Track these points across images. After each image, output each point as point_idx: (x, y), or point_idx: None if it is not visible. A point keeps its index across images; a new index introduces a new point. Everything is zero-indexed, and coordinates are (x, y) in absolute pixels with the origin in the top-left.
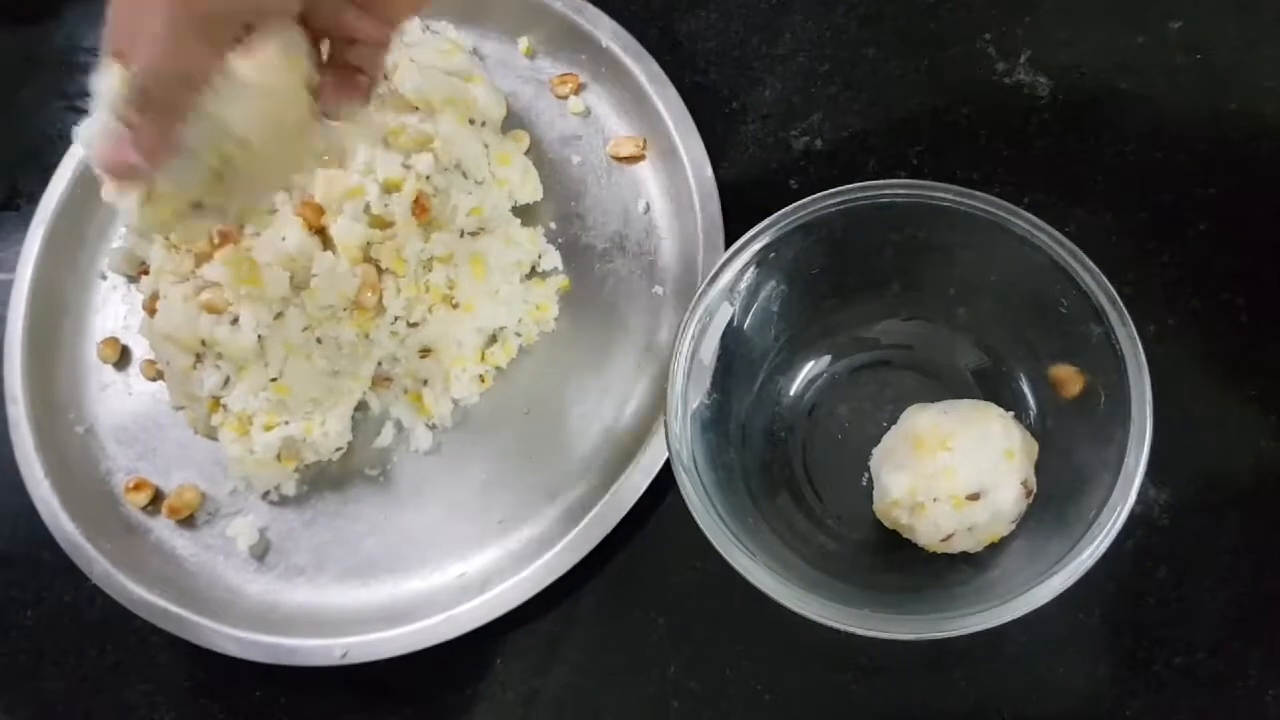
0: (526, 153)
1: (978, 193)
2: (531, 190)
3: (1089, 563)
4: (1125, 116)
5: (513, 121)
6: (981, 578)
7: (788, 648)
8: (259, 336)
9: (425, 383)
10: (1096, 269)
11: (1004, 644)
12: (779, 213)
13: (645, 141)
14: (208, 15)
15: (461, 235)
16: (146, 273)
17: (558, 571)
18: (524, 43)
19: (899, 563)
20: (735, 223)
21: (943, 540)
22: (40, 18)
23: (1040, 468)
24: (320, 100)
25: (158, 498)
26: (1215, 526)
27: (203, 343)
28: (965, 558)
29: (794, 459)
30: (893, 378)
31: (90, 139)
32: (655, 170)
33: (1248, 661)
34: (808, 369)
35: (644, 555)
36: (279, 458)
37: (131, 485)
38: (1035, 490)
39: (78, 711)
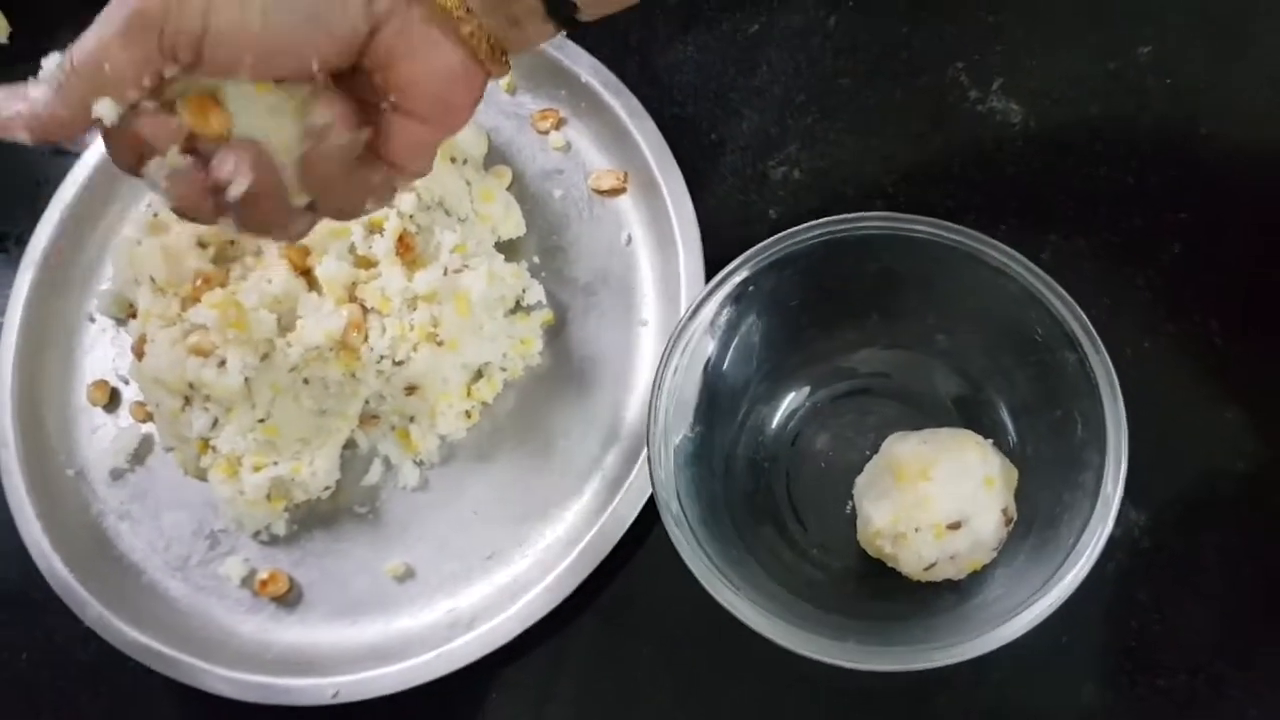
0: (509, 188)
1: (952, 224)
2: (514, 225)
3: (1071, 587)
4: (1096, 142)
5: (494, 157)
6: (966, 605)
7: (779, 677)
8: (246, 378)
9: (412, 419)
10: (1069, 297)
11: (988, 670)
12: (758, 246)
13: (626, 175)
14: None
15: (445, 272)
16: (135, 315)
17: (547, 606)
18: (504, 79)
19: (883, 591)
20: (716, 252)
21: (926, 569)
22: (25, 61)
23: (1020, 494)
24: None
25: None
26: (1194, 548)
27: (191, 385)
28: (949, 585)
29: (777, 489)
30: (873, 406)
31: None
32: (636, 203)
33: (1229, 682)
34: (789, 399)
35: (633, 587)
36: (268, 497)
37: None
38: (1015, 517)
39: None
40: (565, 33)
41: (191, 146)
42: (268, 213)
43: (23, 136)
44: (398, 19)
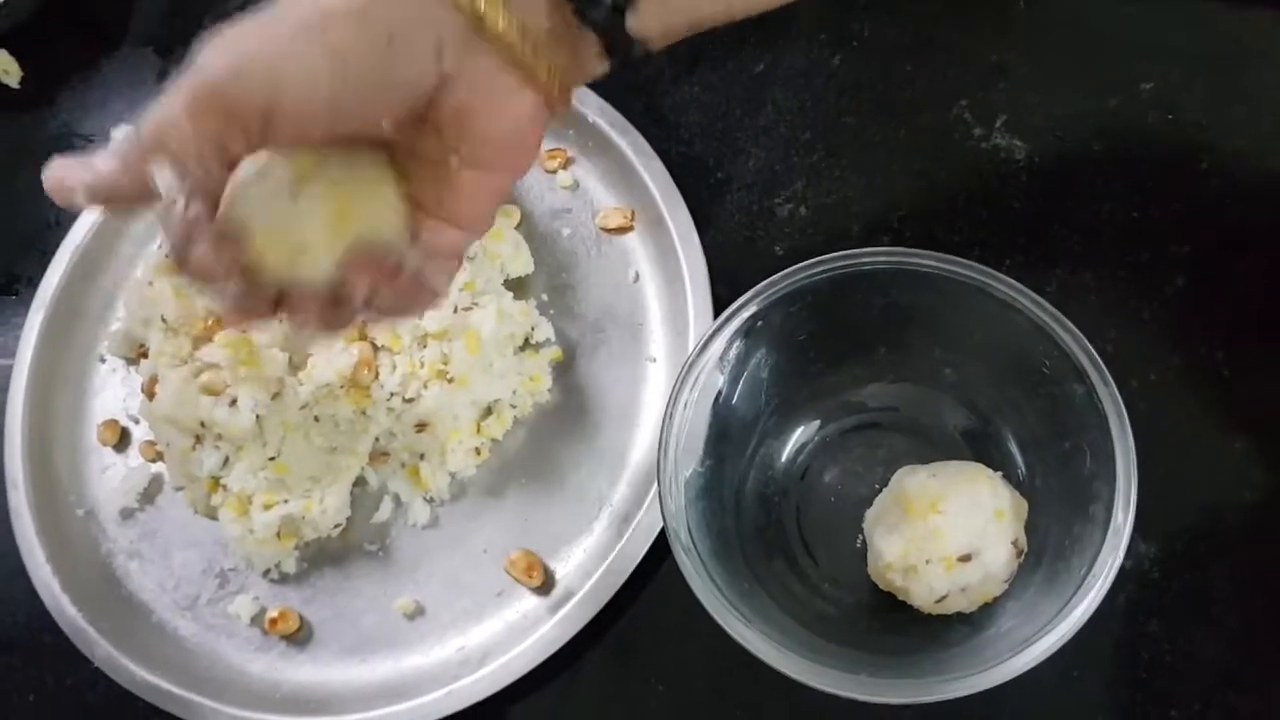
0: (517, 227)
1: (958, 258)
2: (523, 264)
3: (1082, 619)
4: (1100, 177)
5: None
6: (977, 637)
7: (790, 712)
8: (257, 416)
9: (422, 457)
10: (1076, 330)
11: (1001, 702)
12: (765, 282)
13: (633, 213)
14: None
15: (455, 310)
16: (145, 355)
17: (557, 643)
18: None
19: (895, 624)
20: (723, 289)
21: (937, 601)
22: (36, 105)
23: (1030, 527)
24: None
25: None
26: (1204, 579)
27: (202, 424)
28: (960, 618)
29: (788, 523)
30: (882, 440)
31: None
32: (644, 241)
33: (1242, 713)
34: (798, 434)
35: (643, 623)
36: (279, 536)
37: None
38: (1026, 549)
39: None
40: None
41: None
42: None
43: (79, 201)
44: (467, 71)
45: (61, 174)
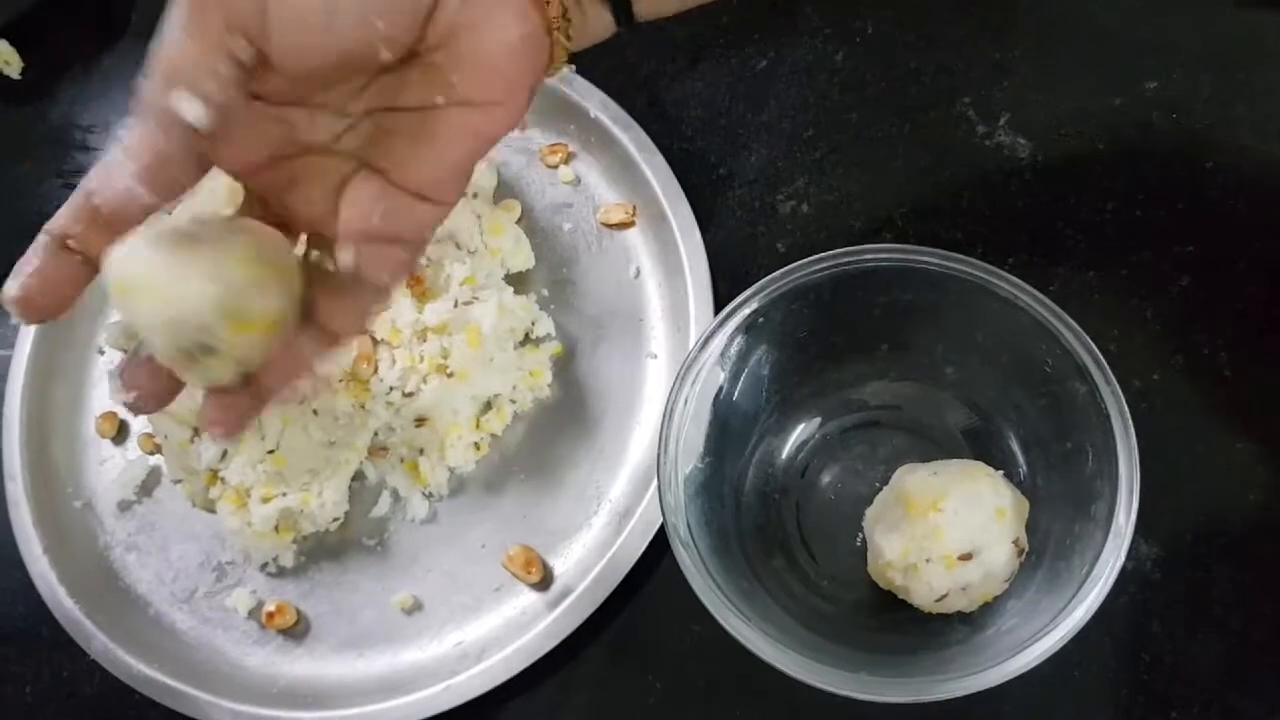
0: (518, 221)
1: (961, 255)
2: (524, 259)
3: (1083, 619)
4: (1104, 176)
5: (504, 191)
6: (978, 637)
7: (788, 710)
8: None
9: (421, 451)
10: (1079, 328)
11: (1001, 702)
12: (766, 279)
13: (635, 208)
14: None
15: (455, 305)
16: None
17: (555, 639)
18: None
19: (895, 623)
20: (724, 286)
21: (937, 600)
22: (37, 96)
23: (1031, 526)
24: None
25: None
26: (1206, 580)
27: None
28: (961, 617)
29: (788, 521)
30: (883, 438)
31: None
32: (645, 236)
33: (1243, 714)
34: (799, 431)
35: (641, 619)
36: (277, 529)
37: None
38: (1027, 548)
39: None
40: (621, 30)
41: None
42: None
43: (140, 191)
44: None
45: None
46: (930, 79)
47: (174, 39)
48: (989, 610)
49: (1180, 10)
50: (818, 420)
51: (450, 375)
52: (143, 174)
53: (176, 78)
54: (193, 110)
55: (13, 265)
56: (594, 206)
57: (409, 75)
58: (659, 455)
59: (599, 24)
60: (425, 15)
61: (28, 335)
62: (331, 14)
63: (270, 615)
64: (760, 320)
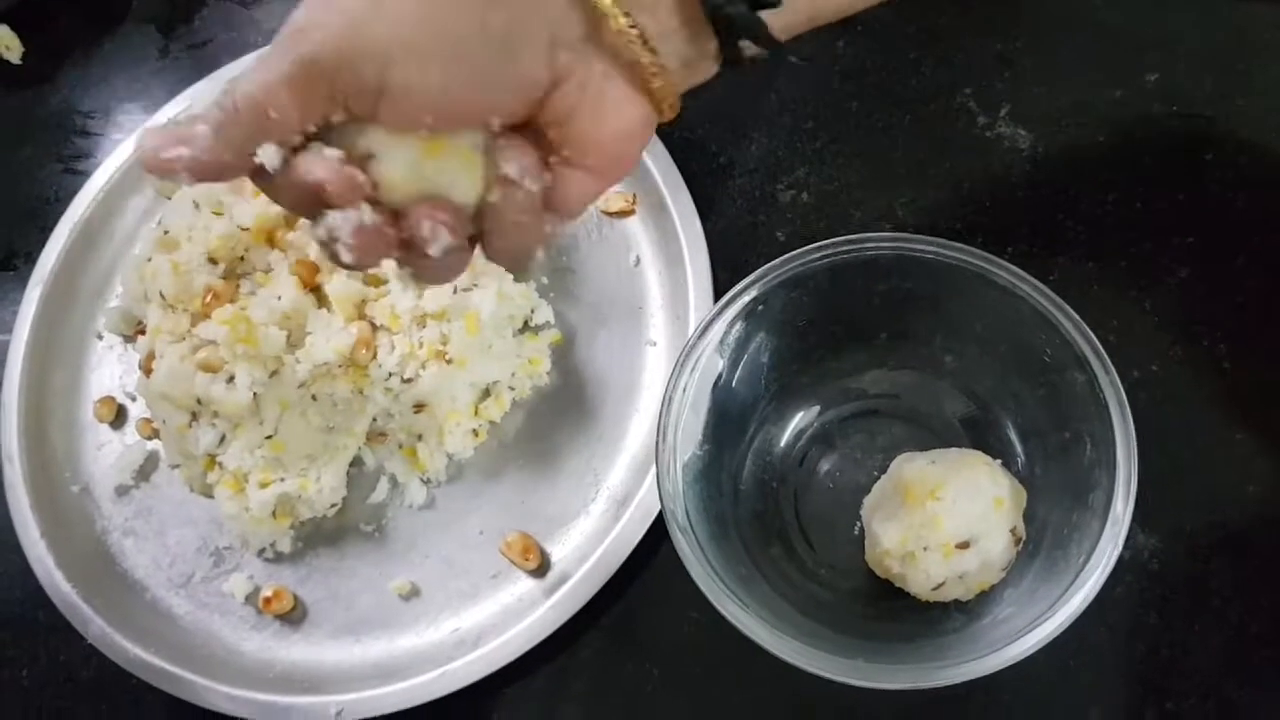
0: None
1: (960, 245)
2: None
3: (1079, 609)
4: (1104, 167)
5: None
6: (974, 625)
7: (784, 697)
8: (254, 394)
9: (419, 437)
10: (1078, 318)
11: (997, 690)
12: (766, 266)
13: (635, 197)
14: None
15: (455, 291)
16: (143, 332)
17: (552, 625)
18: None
19: (892, 611)
20: (724, 275)
21: (934, 589)
22: (38, 81)
23: (1029, 515)
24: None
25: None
26: (1204, 571)
27: (198, 401)
28: (957, 605)
29: (786, 509)
30: (882, 427)
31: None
32: (645, 225)
33: (1239, 705)
34: (798, 419)
35: (639, 606)
36: (274, 514)
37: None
38: (1024, 538)
39: None
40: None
41: (373, 198)
42: (454, 265)
43: (184, 179)
44: (580, 73)
45: (159, 148)
46: (931, 70)
47: (271, 89)
48: (986, 599)
49: (1182, 4)
50: (816, 408)
51: (449, 361)
52: (193, 168)
53: (264, 129)
54: (271, 160)
55: (13, 247)
56: None
57: (526, 135)
58: (657, 442)
59: (704, 75)
60: (542, 95)
61: (26, 319)
62: (444, 105)
63: (267, 600)
64: (759, 308)
